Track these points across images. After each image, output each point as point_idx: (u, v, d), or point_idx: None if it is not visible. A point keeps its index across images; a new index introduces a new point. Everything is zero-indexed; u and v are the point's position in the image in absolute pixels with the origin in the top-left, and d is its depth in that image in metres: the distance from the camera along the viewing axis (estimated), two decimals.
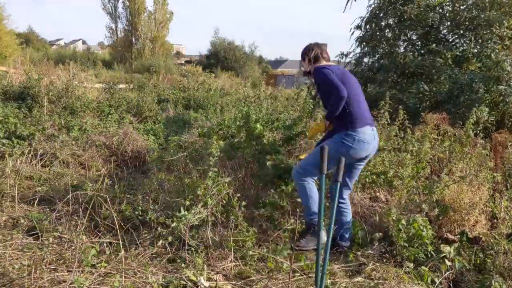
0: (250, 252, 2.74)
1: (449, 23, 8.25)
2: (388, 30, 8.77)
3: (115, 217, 2.71)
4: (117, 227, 2.62)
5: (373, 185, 3.76)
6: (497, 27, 7.35)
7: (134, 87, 12.59)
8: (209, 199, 2.93)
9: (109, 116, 7.17)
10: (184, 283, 2.26)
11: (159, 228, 2.85)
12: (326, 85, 2.92)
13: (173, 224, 2.74)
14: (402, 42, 8.76)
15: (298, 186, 3.00)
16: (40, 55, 23.67)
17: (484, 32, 7.46)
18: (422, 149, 4.09)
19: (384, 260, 2.90)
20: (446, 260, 2.80)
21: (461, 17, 7.73)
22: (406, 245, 2.91)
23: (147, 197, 3.41)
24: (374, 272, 2.70)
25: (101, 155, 5.23)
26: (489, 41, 7.34)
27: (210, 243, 2.81)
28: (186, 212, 2.78)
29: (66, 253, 2.49)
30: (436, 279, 2.66)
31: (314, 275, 2.54)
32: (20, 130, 5.73)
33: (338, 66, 3.19)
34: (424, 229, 2.94)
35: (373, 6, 8.85)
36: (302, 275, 2.57)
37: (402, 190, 3.66)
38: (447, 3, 8.25)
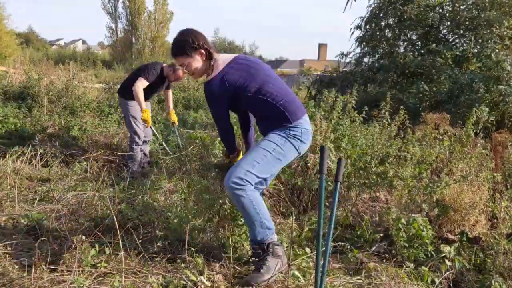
0: (249, 253, 2.74)
1: (449, 23, 8.27)
2: (388, 30, 8.79)
3: (115, 217, 2.71)
4: (117, 227, 2.62)
5: (373, 185, 3.75)
6: (497, 27, 7.36)
7: None
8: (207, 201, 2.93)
9: (109, 116, 7.17)
10: (184, 283, 2.25)
11: (157, 232, 2.85)
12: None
13: (173, 227, 2.74)
14: (402, 42, 8.78)
15: (239, 199, 2.32)
16: (40, 55, 23.68)
17: (484, 32, 7.48)
18: (425, 150, 4.09)
19: (384, 260, 2.90)
20: (446, 260, 2.80)
21: (461, 17, 7.74)
22: (406, 245, 2.91)
23: (147, 197, 3.42)
24: (374, 272, 2.70)
25: (101, 155, 5.23)
26: (489, 41, 7.35)
27: (210, 243, 2.81)
28: (184, 215, 2.78)
29: (66, 253, 2.48)
30: (436, 279, 2.66)
31: (313, 275, 2.54)
32: (20, 130, 5.74)
33: (240, 56, 2.51)
34: (424, 229, 2.94)
35: (373, 6, 8.87)
36: (302, 276, 2.56)
37: (402, 190, 3.66)
38: (447, 3, 8.26)
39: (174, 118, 5.27)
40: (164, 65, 4.89)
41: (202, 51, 2.38)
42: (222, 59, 2.42)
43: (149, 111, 5.04)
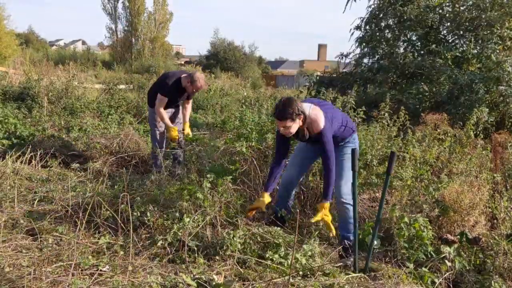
0: (250, 258, 2.74)
1: (449, 23, 8.26)
2: (387, 31, 8.78)
3: (117, 217, 2.71)
4: (117, 227, 2.62)
5: (373, 186, 3.76)
6: (498, 28, 7.35)
7: (134, 87, 12.59)
8: (207, 204, 2.94)
9: (109, 116, 7.17)
10: (183, 284, 2.25)
11: (157, 235, 2.84)
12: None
13: (172, 231, 2.74)
14: (401, 43, 8.76)
15: (348, 210, 3.05)
16: (40, 56, 23.67)
17: (485, 32, 7.47)
18: (425, 150, 4.08)
19: (384, 260, 2.89)
20: (446, 261, 2.80)
21: (461, 17, 7.73)
22: (406, 245, 2.91)
23: (146, 198, 3.40)
24: (374, 272, 2.70)
25: (101, 155, 5.22)
26: (490, 42, 7.34)
27: (210, 244, 2.81)
28: (186, 220, 2.78)
29: (65, 253, 2.48)
30: (436, 280, 2.66)
31: (312, 275, 2.55)
32: (20, 131, 5.73)
33: (315, 101, 3.19)
34: (425, 230, 2.94)
35: (372, 6, 8.86)
36: (302, 277, 2.57)
37: (402, 190, 3.66)
38: (447, 4, 8.25)
39: (187, 130, 5.08)
40: (182, 76, 4.77)
41: (301, 116, 2.92)
42: (313, 114, 2.97)
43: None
